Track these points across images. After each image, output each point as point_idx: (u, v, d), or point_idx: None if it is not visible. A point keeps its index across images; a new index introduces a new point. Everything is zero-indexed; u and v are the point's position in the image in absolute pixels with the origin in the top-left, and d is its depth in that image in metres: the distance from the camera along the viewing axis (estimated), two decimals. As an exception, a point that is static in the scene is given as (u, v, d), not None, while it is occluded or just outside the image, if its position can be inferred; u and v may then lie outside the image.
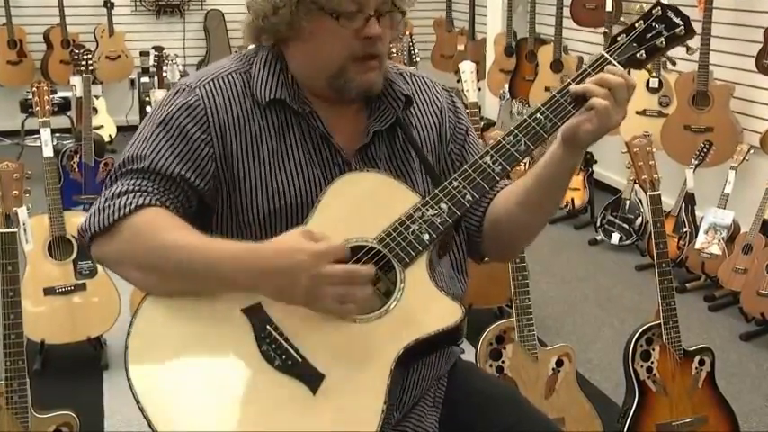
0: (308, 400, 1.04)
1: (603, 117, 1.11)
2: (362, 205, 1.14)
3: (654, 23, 1.17)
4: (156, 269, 1.10)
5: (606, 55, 1.17)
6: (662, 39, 1.16)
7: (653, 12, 1.17)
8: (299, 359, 1.05)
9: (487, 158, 1.14)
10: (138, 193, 1.14)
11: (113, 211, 1.12)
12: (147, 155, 1.16)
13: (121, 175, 1.17)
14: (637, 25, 1.17)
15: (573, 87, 1.14)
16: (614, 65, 1.15)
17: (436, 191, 1.14)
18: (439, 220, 1.11)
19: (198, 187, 1.17)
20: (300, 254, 1.03)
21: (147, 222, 1.11)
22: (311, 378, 1.05)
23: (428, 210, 1.12)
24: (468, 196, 1.12)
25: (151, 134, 1.17)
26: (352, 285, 1.04)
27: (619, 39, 1.17)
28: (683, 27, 1.17)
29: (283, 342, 1.06)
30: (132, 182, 1.15)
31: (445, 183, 1.14)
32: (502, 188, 1.28)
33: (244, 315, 1.08)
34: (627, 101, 1.13)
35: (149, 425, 1.03)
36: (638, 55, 1.17)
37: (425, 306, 1.09)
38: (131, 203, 1.12)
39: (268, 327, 1.07)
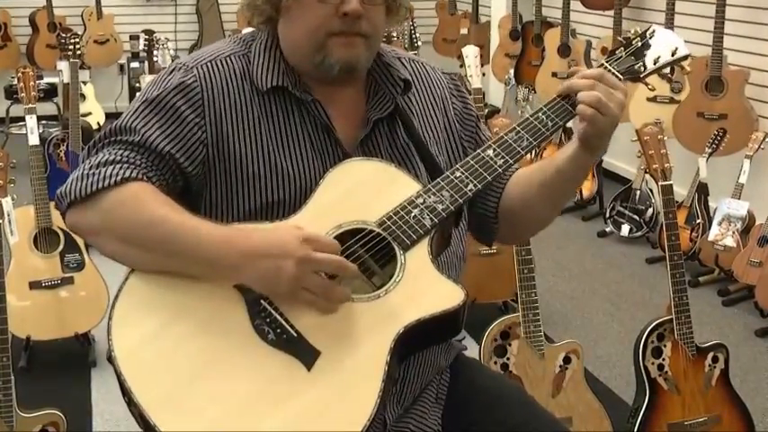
0: (302, 377, 1.02)
1: (592, 120, 1.15)
2: (361, 192, 1.14)
3: (650, 42, 1.26)
4: (138, 243, 1.08)
5: (606, 64, 1.24)
6: (658, 55, 1.25)
7: (647, 33, 1.26)
8: (295, 334, 1.04)
9: (490, 152, 1.17)
10: (126, 165, 1.12)
11: (98, 180, 1.10)
12: (138, 129, 1.14)
13: (108, 144, 1.15)
14: (634, 42, 1.26)
15: (564, 84, 1.20)
16: (614, 73, 1.21)
17: (438, 179, 1.15)
18: (441, 207, 1.13)
19: (186, 169, 1.15)
20: (289, 236, 1.04)
21: (133, 195, 1.09)
22: (306, 354, 1.03)
23: (430, 196, 1.13)
24: (471, 186, 1.14)
25: (143, 110, 1.16)
26: (338, 276, 1.04)
27: (617, 52, 1.26)
28: (677, 48, 1.25)
29: (278, 317, 1.05)
30: (120, 152, 1.13)
31: (447, 172, 1.16)
32: (512, 173, 1.31)
33: (236, 290, 1.06)
34: (610, 93, 1.16)
35: (125, 392, 0.99)
36: (636, 66, 1.24)
37: (426, 288, 1.09)
38: (117, 174, 1.10)
39: (262, 301, 1.05)
